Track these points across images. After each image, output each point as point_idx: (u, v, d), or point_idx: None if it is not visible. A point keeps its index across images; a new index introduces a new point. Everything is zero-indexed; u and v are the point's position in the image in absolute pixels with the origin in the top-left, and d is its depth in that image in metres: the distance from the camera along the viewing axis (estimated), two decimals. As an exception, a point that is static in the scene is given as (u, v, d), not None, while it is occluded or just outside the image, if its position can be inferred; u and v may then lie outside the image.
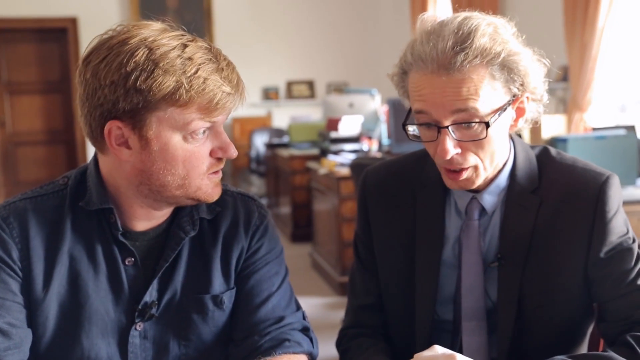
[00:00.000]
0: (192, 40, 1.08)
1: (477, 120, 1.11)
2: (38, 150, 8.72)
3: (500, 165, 1.25)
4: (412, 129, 1.21)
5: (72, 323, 1.13)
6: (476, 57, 1.08)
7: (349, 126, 5.43)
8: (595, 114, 5.04)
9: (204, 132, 1.09)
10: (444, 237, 1.29)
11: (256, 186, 8.94)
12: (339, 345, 1.39)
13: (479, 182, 1.20)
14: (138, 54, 1.01)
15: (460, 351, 1.24)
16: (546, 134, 3.40)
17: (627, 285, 1.17)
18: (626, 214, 2.59)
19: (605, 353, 1.08)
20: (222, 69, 1.07)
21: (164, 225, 1.21)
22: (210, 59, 1.07)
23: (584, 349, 1.32)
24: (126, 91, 1.02)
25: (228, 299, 1.23)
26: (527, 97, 1.19)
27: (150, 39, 1.04)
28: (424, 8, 7.24)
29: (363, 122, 5.63)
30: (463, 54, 1.07)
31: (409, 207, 1.33)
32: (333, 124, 5.43)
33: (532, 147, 1.32)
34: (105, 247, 1.15)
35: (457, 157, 1.14)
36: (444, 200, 1.30)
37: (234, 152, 1.13)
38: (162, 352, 1.17)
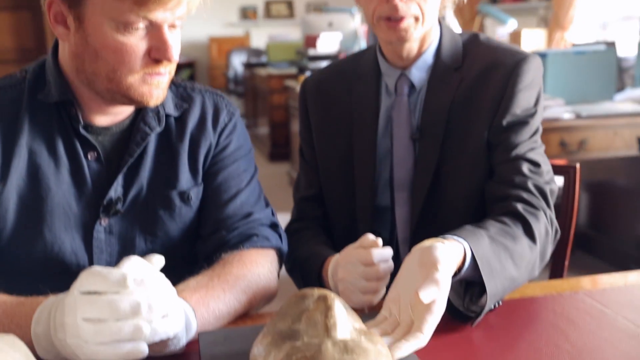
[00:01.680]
0: None
1: None
2: (9, 70, 8.45)
3: (428, 40, 1.32)
4: None
5: (33, 216, 1.12)
6: None
7: (327, 44, 5.39)
8: (576, 32, 5.02)
9: (144, 28, 1.02)
10: (379, 120, 1.35)
11: (234, 107, 8.83)
12: None
13: (415, 35, 1.25)
14: None
15: (394, 224, 1.35)
16: (526, 48, 3.38)
17: (515, 153, 1.23)
18: (599, 127, 2.59)
19: (506, 226, 1.12)
20: None
21: (127, 122, 1.19)
22: None
23: None
24: None
25: (195, 195, 1.23)
26: None
27: None
28: None
29: (342, 40, 5.56)
30: None
31: (346, 100, 1.39)
32: (311, 41, 5.39)
33: (463, 33, 1.38)
34: (67, 141, 1.14)
35: (402, 5, 1.18)
36: (377, 85, 1.36)
37: (172, 55, 1.05)
38: (128, 248, 1.18)
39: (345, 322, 0.78)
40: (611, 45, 3.59)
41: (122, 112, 1.18)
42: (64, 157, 1.14)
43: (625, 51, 3.75)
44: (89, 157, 1.15)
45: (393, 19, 1.21)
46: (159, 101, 1.12)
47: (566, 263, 1.51)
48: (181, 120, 1.23)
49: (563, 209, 1.53)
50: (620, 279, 1.23)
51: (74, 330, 0.79)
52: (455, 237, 1.00)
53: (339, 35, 5.54)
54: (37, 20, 8.28)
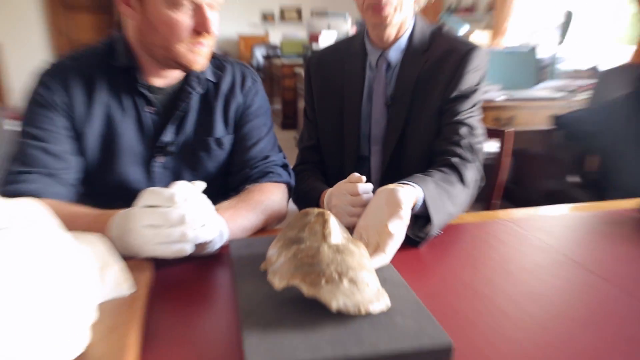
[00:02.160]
0: None
1: None
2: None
3: (404, 28, 1.30)
4: None
5: (107, 153, 1.13)
6: None
7: (326, 39, 5.35)
8: (509, 37, 5.03)
9: (190, 8, 1.02)
10: (363, 90, 1.34)
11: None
12: None
13: (394, 21, 1.24)
14: None
15: (369, 169, 1.37)
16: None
17: (457, 118, 1.24)
18: (523, 108, 2.58)
19: (445, 175, 1.13)
20: None
21: (177, 84, 1.18)
22: None
23: None
24: None
25: (227, 141, 1.23)
26: None
27: None
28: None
29: (337, 38, 5.47)
30: None
31: (339, 73, 1.37)
32: (314, 38, 5.36)
33: (431, 25, 1.36)
34: (132, 98, 1.14)
35: None
36: (363, 62, 1.35)
37: (210, 28, 1.04)
38: (179, 179, 1.15)
39: (337, 232, 0.79)
40: (533, 48, 3.60)
41: (174, 76, 1.17)
42: (130, 109, 1.14)
43: (543, 54, 3.74)
44: (148, 110, 1.15)
45: (378, 7, 1.20)
46: (202, 67, 1.12)
47: (497, 202, 1.52)
48: (217, 84, 1.23)
49: (497, 162, 1.54)
50: (533, 211, 1.25)
51: (137, 234, 0.80)
52: (410, 183, 1.00)
53: (335, 33, 5.49)
54: (112, 20, 8.13)
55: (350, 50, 1.37)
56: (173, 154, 1.18)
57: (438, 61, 1.27)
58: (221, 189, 1.24)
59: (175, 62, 1.08)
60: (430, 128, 1.27)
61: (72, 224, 0.92)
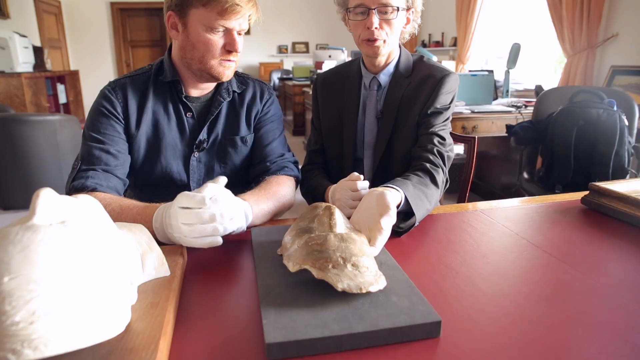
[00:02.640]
0: None
1: (391, 7, 1.12)
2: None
3: (392, 56, 1.24)
4: (351, 17, 1.18)
5: (155, 150, 1.10)
6: None
7: (328, 66, 5.28)
8: (470, 65, 4.95)
9: (222, 31, 1.02)
10: (359, 106, 1.28)
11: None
12: None
13: (383, 52, 1.19)
14: None
15: (363, 169, 1.29)
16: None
17: (431, 130, 1.17)
18: (484, 119, 2.51)
19: (421, 178, 1.05)
20: None
21: (209, 94, 1.15)
22: None
23: None
24: None
25: (249, 139, 1.19)
26: (412, 12, 1.20)
27: None
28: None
29: (336, 65, 5.43)
30: None
31: (340, 90, 1.31)
32: (319, 64, 5.28)
33: (414, 54, 1.29)
34: (174, 105, 1.11)
35: (376, 31, 1.14)
36: (359, 83, 1.28)
37: (237, 48, 1.04)
38: (210, 171, 1.15)
39: (341, 223, 0.72)
40: (490, 72, 3.53)
41: (207, 88, 1.15)
42: (173, 115, 1.11)
43: (498, 76, 3.67)
44: (187, 115, 1.12)
45: (371, 40, 1.15)
46: (228, 78, 1.09)
47: (467, 194, 1.45)
48: (241, 95, 1.19)
49: (466, 163, 1.46)
50: (498, 203, 1.17)
51: (176, 229, 0.77)
52: (394, 187, 0.93)
53: (334, 62, 5.42)
54: (164, 53, 8.08)
55: (349, 73, 1.31)
56: (206, 150, 1.14)
57: (419, 83, 1.21)
58: (244, 179, 1.21)
59: (208, 74, 1.06)
60: (411, 137, 1.21)
61: (122, 215, 0.88)
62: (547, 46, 4.26)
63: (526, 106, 3.12)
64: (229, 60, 1.05)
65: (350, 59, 5.34)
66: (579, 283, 0.75)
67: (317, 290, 0.64)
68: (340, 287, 0.61)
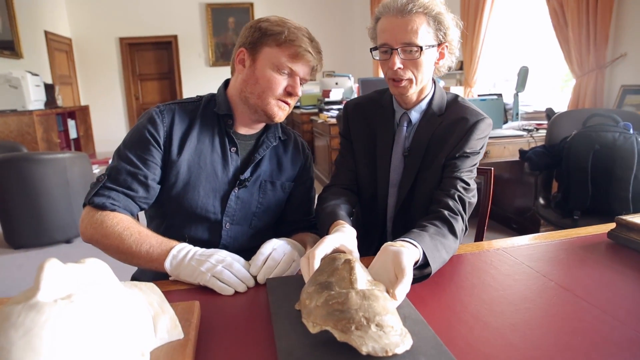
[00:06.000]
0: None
1: (415, 47, 1.07)
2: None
3: (425, 93, 1.19)
4: (376, 54, 1.15)
5: (195, 178, 1.08)
6: (420, 8, 1.06)
7: (335, 95, 5.32)
8: (478, 88, 4.96)
9: (287, 73, 1.05)
10: (394, 141, 1.23)
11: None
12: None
13: (411, 92, 1.14)
14: (269, 19, 1.07)
15: (386, 207, 1.24)
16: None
17: (456, 174, 1.12)
18: (496, 144, 2.48)
19: (439, 229, 0.99)
20: (312, 40, 1.06)
21: (257, 135, 1.16)
22: (307, 35, 1.06)
23: None
24: (254, 30, 1.05)
25: (288, 187, 1.21)
26: (446, 46, 1.13)
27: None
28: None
29: (343, 92, 5.45)
30: (412, 4, 1.06)
31: (372, 119, 1.26)
32: (326, 93, 5.33)
33: (449, 93, 1.24)
34: (221, 139, 1.12)
35: (399, 71, 1.10)
36: (392, 114, 1.24)
37: (298, 92, 1.07)
38: (246, 208, 1.14)
39: (362, 277, 0.68)
40: (500, 95, 3.52)
41: (256, 128, 1.16)
42: (218, 148, 1.11)
43: (507, 99, 3.66)
44: (232, 150, 1.12)
45: (396, 80, 1.12)
46: (280, 120, 1.11)
47: (485, 228, 1.40)
48: (284, 143, 1.21)
49: (483, 196, 1.42)
50: (523, 240, 1.13)
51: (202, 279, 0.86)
52: (410, 241, 0.88)
53: (341, 90, 5.45)
54: (172, 85, 8.22)
55: (382, 102, 1.26)
56: (245, 188, 1.13)
57: (450, 125, 1.16)
58: (276, 222, 1.23)
59: (263, 111, 1.07)
60: (437, 179, 1.16)
61: (140, 240, 0.94)
62: (553, 66, 4.26)
63: (537, 129, 3.09)
64: (286, 103, 1.08)
65: (356, 85, 5.41)
66: (618, 334, 0.70)
67: (339, 353, 0.60)
68: (364, 350, 0.57)
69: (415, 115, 1.20)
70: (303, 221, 1.24)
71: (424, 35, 1.07)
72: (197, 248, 0.93)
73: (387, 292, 0.72)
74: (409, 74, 1.10)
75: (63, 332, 0.43)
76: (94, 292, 0.51)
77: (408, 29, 1.05)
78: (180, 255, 0.90)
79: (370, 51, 1.16)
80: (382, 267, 0.80)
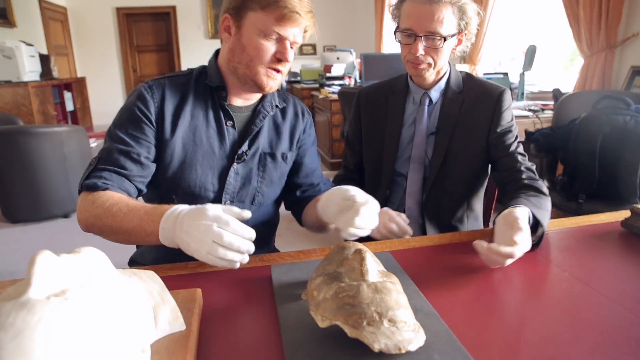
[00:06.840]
0: None
1: (439, 36, 1.11)
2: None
3: (442, 73, 1.24)
4: (398, 36, 1.17)
5: (191, 156, 1.03)
6: None
7: (336, 70, 5.21)
8: (482, 66, 4.88)
9: (275, 38, 0.97)
10: (403, 120, 1.27)
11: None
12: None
13: (429, 75, 1.19)
14: None
15: (406, 183, 1.28)
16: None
17: (511, 150, 1.19)
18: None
19: (529, 195, 1.05)
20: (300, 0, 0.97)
21: (253, 106, 1.11)
22: None
23: (481, 194, 1.33)
24: None
25: (290, 156, 1.16)
26: (465, 34, 1.17)
27: None
28: (382, 8, 6.79)
29: (345, 68, 5.33)
30: None
31: (384, 105, 1.30)
32: (327, 68, 5.21)
33: (461, 71, 1.28)
34: (215, 113, 1.06)
35: (421, 56, 1.14)
36: (404, 98, 1.27)
37: (288, 57, 0.99)
38: (246, 184, 1.09)
39: (374, 269, 0.65)
40: (506, 74, 3.46)
41: (251, 99, 1.10)
42: (213, 122, 1.05)
43: (512, 78, 3.59)
44: (228, 124, 1.06)
45: (415, 63, 1.15)
46: (272, 90, 1.04)
47: (492, 211, 1.38)
48: (283, 111, 1.16)
49: (489, 176, 1.38)
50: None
51: (203, 244, 0.73)
52: (519, 206, 0.95)
53: (343, 65, 5.34)
54: (170, 57, 8.06)
55: (394, 89, 1.30)
56: (244, 162, 1.08)
57: (475, 101, 1.21)
58: (279, 194, 1.19)
59: (252, 81, 1.01)
60: (469, 155, 1.22)
61: (129, 215, 0.84)
62: (559, 45, 4.17)
63: (543, 110, 3.03)
64: (276, 71, 1.00)
65: (358, 60, 5.30)
66: (638, 330, 0.67)
67: (349, 349, 0.58)
68: (377, 347, 0.54)
69: (435, 95, 1.25)
70: (324, 183, 1.22)
71: (448, 24, 1.10)
72: (185, 210, 0.79)
73: (510, 241, 0.83)
74: (429, 60, 1.15)
75: (57, 333, 0.39)
76: (90, 287, 0.47)
77: (435, 18, 1.08)
78: (170, 223, 0.79)
79: (394, 33, 1.17)
80: (499, 230, 0.89)
